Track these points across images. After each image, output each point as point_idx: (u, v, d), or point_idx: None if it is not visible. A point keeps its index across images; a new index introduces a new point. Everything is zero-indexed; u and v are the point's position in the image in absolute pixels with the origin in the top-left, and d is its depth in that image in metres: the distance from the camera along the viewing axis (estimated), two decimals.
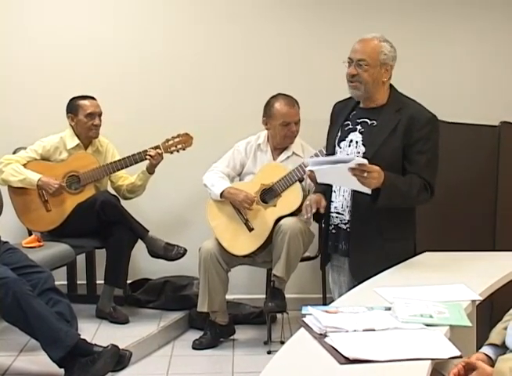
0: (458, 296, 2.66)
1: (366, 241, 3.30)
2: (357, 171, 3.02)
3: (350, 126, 3.38)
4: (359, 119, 3.36)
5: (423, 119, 3.28)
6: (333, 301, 3.18)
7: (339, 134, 3.41)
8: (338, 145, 3.39)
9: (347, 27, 4.95)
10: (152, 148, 4.70)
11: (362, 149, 3.29)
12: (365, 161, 3.04)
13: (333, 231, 3.44)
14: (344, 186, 3.32)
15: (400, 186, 3.19)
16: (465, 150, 4.28)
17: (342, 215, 3.37)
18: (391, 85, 3.39)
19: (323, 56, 5.03)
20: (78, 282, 5.09)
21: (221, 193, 4.42)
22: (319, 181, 3.30)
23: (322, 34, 5.08)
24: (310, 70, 5.09)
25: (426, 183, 3.25)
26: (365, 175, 3.03)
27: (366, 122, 3.34)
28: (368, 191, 3.11)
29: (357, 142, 3.32)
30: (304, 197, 4.28)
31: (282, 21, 5.13)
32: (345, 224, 3.37)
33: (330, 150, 3.46)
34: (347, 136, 3.37)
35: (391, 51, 3.32)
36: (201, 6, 5.15)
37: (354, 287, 3.04)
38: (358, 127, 3.35)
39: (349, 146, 3.35)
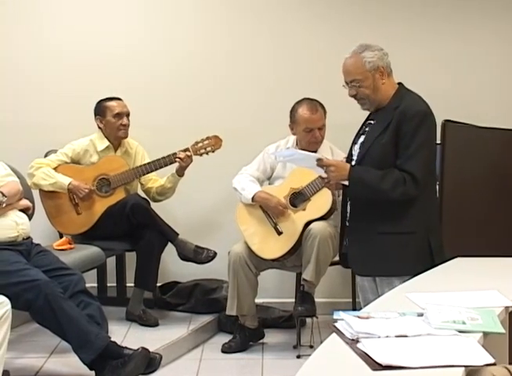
0: (491, 302, 2.63)
1: (361, 235, 3.39)
2: (320, 166, 3.35)
3: (362, 130, 3.50)
4: (368, 121, 3.48)
5: (411, 112, 3.30)
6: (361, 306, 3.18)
7: (355, 138, 3.53)
8: (353, 148, 3.52)
9: (375, 29, 4.93)
10: (181, 150, 4.71)
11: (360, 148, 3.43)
12: (318, 156, 3.39)
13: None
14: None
15: (369, 180, 3.29)
16: (499, 154, 4.25)
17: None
18: (400, 85, 3.44)
19: None
20: (108, 284, 5.13)
21: (253, 197, 4.43)
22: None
23: (355, 36, 5.03)
24: (342, 74, 5.07)
25: (407, 176, 3.26)
26: (324, 169, 3.34)
27: (371, 123, 3.45)
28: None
29: (360, 143, 3.45)
30: (334, 202, 4.29)
31: (313, 23, 5.13)
32: (348, 221, 3.49)
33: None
34: (358, 139, 3.49)
35: (375, 54, 3.36)
36: (230, 7, 5.17)
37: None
38: (367, 129, 3.46)
39: (359, 148, 3.46)
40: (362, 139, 3.45)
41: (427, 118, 3.33)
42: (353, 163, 3.44)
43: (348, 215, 3.48)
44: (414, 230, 3.36)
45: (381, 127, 3.34)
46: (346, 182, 3.38)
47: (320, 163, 3.34)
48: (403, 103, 3.33)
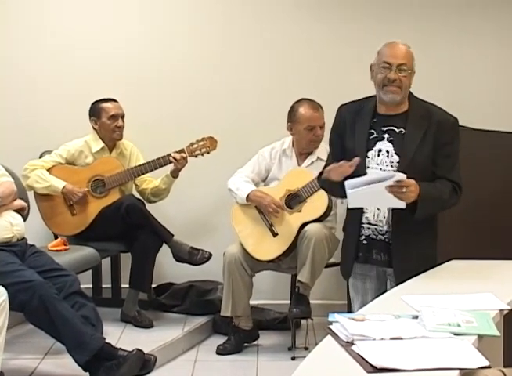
0: (486, 305, 2.63)
1: (408, 250, 3.27)
2: (395, 188, 3.01)
3: (375, 135, 3.29)
4: (384, 127, 3.28)
5: (449, 124, 3.29)
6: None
7: (363, 143, 3.29)
8: (366, 155, 3.28)
9: (375, 30, 4.91)
10: (176, 152, 4.70)
11: (396, 158, 3.22)
12: (404, 177, 3.02)
13: (364, 242, 3.35)
14: (377, 206, 3.27)
15: (434, 194, 3.18)
16: (496, 157, 4.25)
17: (376, 225, 3.30)
18: None
19: (350, 60, 5.00)
20: (103, 286, 5.12)
21: (247, 196, 4.43)
22: (350, 206, 3.24)
23: (350, 38, 5.07)
24: (337, 75, 5.08)
25: (454, 185, 3.26)
26: (404, 190, 3.02)
27: (394, 130, 3.26)
28: (402, 205, 3.08)
29: (387, 151, 3.25)
30: (329, 204, 4.29)
31: (309, 24, 5.12)
32: (383, 235, 3.30)
33: (339, 156, 3.27)
34: (374, 146, 3.28)
35: None
36: (226, 8, 5.16)
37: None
38: (386, 135, 3.27)
39: (378, 155, 3.26)
40: (384, 146, 3.25)
41: (458, 128, 3.34)
42: (378, 170, 3.23)
43: (386, 229, 3.28)
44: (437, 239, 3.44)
45: (417, 136, 3.23)
46: (401, 205, 3.10)
47: (404, 184, 3.00)
48: (434, 113, 3.28)
